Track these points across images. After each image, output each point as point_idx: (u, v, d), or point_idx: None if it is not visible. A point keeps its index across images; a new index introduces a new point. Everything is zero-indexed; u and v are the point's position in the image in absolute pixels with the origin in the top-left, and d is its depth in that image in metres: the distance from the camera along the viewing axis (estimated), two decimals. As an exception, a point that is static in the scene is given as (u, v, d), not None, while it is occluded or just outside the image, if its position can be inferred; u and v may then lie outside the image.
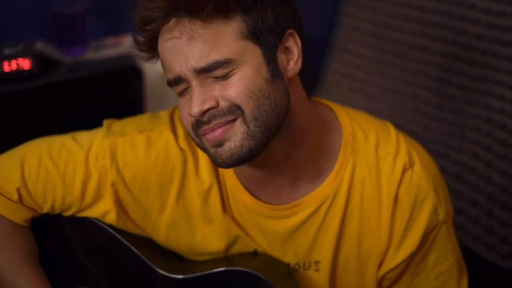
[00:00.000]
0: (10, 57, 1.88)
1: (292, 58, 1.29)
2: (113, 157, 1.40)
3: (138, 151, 1.39)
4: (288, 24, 1.27)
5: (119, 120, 1.47)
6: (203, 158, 1.38)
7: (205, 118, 1.23)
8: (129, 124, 1.44)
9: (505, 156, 2.19)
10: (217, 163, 1.27)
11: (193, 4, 1.18)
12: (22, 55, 1.89)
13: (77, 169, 1.39)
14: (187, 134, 1.38)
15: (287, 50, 1.28)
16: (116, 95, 2.14)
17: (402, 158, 1.39)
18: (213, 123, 1.23)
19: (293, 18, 1.29)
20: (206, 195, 1.40)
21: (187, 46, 1.20)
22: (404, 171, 1.39)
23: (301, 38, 1.30)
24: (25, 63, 1.89)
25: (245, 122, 1.23)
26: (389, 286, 1.47)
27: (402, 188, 1.39)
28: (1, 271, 1.40)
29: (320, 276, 1.44)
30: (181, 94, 1.26)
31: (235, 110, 1.23)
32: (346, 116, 1.42)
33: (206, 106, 1.22)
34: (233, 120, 1.23)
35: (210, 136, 1.24)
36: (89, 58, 2.18)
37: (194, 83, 1.22)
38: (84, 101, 2.06)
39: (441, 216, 1.41)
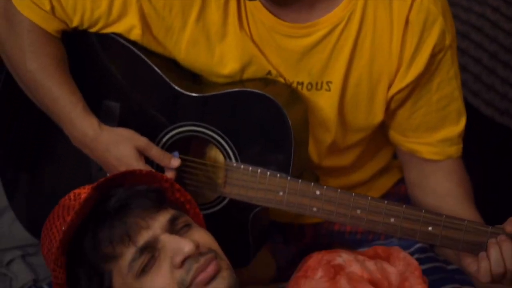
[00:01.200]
0: None
1: None
2: None
3: None
4: None
5: None
6: None
7: None
8: None
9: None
10: None
11: None
12: None
13: None
14: None
15: None
16: None
17: None
18: None
19: None
20: (225, 8, 1.46)
21: None
22: None
23: None
24: None
25: None
26: (395, 108, 1.56)
27: (413, 11, 1.45)
28: (33, 73, 1.50)
29: (330, 95, 1.52)
30: None
31: None
32: None
33: None
34: None
35: None
36: None
37: None
38: None
39: (448, 40, 1.49)
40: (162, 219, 1.23)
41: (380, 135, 1.66)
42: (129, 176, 1.30)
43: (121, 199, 1.25)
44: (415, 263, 1.34)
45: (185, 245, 1.17)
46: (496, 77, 2.37)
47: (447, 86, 1.55)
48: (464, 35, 2.40)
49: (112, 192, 1.27)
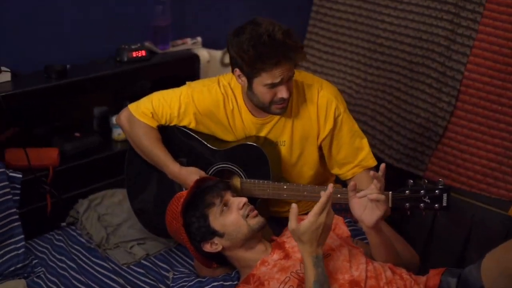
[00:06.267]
0: (135, 49, 3.21)
1: None
2: (193, 99, 2.58)
3: (203, 94, 2.58)
4: None
5: (193, 82, 2.67)
6: (232, 98, 2.56)
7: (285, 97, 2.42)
8: (198, 83, 2.64)
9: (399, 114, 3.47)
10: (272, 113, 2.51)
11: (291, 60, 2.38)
12: (140, 48, 3.23)
13: (176, 103, 2.59)
14: (224, 86, 2.56)
15: None
16: (184, 70, 3.42)
17: (316, 86, 2.55)
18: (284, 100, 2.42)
19: None
20: (233, 115, 2.58)
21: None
22: (318, 91, 2.54)
23: None
24: (142, 53, 3.23)
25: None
26: (327, 151, 2.60)
27: (319, 99, 2.54)
28: (146, 147, 2.62)
29: (285, 148, 2.62)
30: (271, 86, 2.39)
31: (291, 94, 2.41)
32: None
33: (289, 93, 2.39)
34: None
35: (279, 106, 2.44)
36: (171, 50, 3.43)
37: (284, 84, 2.40)
38: (168, 72, 3.35)
39: (341, 108, 2.56)
40: (229, 193, 2.38)
41: (322, 173, 2.73)
42: (208, 179, 2.50)
43: (215, 181, 2.42)
44: (341, 218, 2.53)
45: (243, 199, 2.36)
46: (393, 141, 3.45)
47: (350, 131, 2.60)
48: (372, 123, 3.55)
49: (204, 184, 2.43)
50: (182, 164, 2.68)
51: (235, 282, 2.46)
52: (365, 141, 2.67)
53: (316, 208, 2.12)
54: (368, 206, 2.26)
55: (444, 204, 2.31)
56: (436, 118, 3.31)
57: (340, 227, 2.53)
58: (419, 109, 3.38)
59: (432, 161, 3.35)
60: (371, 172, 2.27)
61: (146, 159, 2.71)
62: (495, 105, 3.16)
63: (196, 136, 2.68)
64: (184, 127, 2.69)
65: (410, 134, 3.41)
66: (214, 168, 2.67)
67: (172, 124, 2.69)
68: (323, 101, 2.57)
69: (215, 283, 2.47)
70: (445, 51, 3.27)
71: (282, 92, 2.42)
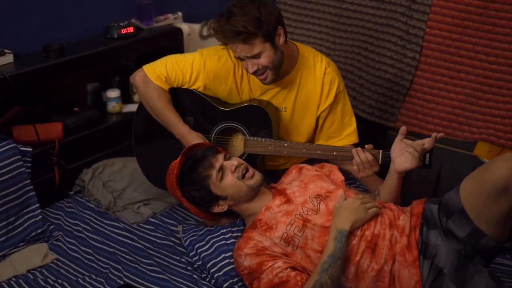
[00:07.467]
0: (124, 26, 3.38)
1: (281, 37, 2.63)
2: (205, 66, 2.78)
3: (214, 62, 2.78)
4: (278, 25, 2.60)
5: (203, 49, 2.87)
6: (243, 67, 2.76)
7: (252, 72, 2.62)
8: (210, 51, 2.82)
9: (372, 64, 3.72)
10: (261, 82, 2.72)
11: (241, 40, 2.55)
12: (128, 25, 3.40)
13: (188, 69, 2.79)
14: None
15: (278, 35, 2.62)
16: (168, 44, 3.60)
17: (324, 63, 2.79)
18: (256, 73, 2.61)
19: (281, 22, 2.64)
20: (241, 79, 2.81)
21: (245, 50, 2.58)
22: (326, 68, 2.78)
23: (283, 27, 2.63)
24: (131, 29, 3.41)
25: (270, 70, 2.63)
26: (321, 122, 2.84)
27: (325, 76, 2.79)
28: (159, 108, 2.81)
29: (286, 114, 2.85)
30: (240, 60, 2.61)
31: (265, 68, 2.61)
32: (301, 46, 2.81)
33: (255, 68, 2.60)
34: (265, 71, 2.63)
35: (260, 77, 2.66)
36: (155, 26, 3.61)
37: (247, 60, 2.60)
38: (154, 46, 3.53)
39: (341, 87, 2.84)
40: (220, 157, 2.58)
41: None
42: (201, 146, 2.68)
43: (203, 151, 2.60)
44: (336, 166, 2.79)
45: (234, 161, 2.56)
46: (365, 97, 3.70)
47: (343, 108, 2.87)
48: (345, 77, 3.78)
49: (194, 152, 2.61)
50: (189, 122, 2.88)
51: (241, 228, 2.70)
52: (353, 119, 2.94)
53: (366, 197, 2.50)
54: (406, 154, 2.53)
55: (427, 162, 2.60)
56: (402, 73, 3.55)
57: (335, 173, 2.79)
58: (387, 66, 3.61)
59: (401, 113, 3.60)
60: (435, 134, 2.58)
61: (156, 118, 2.88)
62: (455, 57, 3.42)
63: (204, 97, 2.87)
64: (194, 89, 2.88)
65: (380, 89, 3.64)
66: (220, 126, 2.87)
67: (183, 87, 2.88)
68: (329, 78, 2.82)
69: (224, 230, 2.71)
70: (407, 11, 3.51)
71: (247, 67, 2.65)
